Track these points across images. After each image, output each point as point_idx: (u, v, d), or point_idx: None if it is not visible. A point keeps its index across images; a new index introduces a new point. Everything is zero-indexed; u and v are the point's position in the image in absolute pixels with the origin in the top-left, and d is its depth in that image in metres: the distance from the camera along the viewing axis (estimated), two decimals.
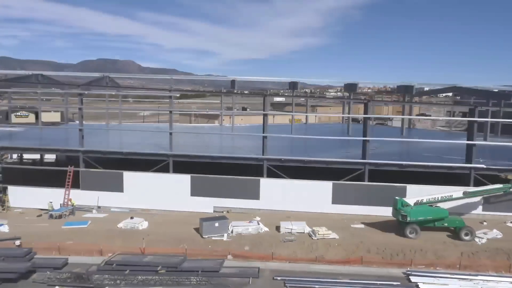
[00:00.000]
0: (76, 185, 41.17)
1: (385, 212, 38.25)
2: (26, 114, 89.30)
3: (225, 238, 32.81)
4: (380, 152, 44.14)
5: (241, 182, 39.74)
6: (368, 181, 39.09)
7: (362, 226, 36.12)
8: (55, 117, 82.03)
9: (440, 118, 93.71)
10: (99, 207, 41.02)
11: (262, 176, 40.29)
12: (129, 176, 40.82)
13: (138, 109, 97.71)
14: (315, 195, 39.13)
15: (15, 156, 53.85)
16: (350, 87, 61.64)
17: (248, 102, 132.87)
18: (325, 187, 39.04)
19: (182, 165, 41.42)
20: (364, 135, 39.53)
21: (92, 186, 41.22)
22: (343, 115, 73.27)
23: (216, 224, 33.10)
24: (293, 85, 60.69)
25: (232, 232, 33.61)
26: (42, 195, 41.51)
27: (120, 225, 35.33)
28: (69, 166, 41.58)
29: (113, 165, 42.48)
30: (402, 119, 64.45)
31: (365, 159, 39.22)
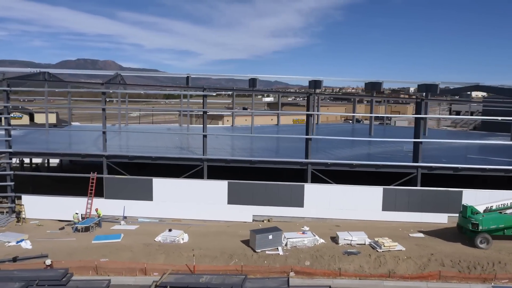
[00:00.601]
0: (98, 193, 37.34)
1: (439, 218, 35.86)
2: (20, 116, 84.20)
3: (280, 252, 29.55)
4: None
5: (284, 188, 36.55)
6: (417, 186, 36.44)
7: (422, 235, 33.33)
8: (50, 118, 77.36)
9: (467, 116, 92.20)
10: (125, 217, 37.25)
11: (304, 181, 37.22)
12: (159, 183, 37.15)
13: (164, 111, 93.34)
14: (364, 201, 36.24)
15: (13, 160, 49.55)
16: (373, 86, 58.85)
17: (241, 102, 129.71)
18: (375, 192, 36.18)
19: (212, 170, 37.93)
20: (417, 137, 36.77)
21: (118, 194, 37.42)
22: (378, 115, 70.87)
23: (270, 237, 29.82)
24: (314, 84, 57.66)
25: (286, 244, 30.39)
26: (61, 205, 37.57)
27: (158, 238, 31.70)
28: (91, 173, 37.68)
29: (136, 171, 38.77)
30: (425, 119, 62.15)
31: (417, 162, 36.46)
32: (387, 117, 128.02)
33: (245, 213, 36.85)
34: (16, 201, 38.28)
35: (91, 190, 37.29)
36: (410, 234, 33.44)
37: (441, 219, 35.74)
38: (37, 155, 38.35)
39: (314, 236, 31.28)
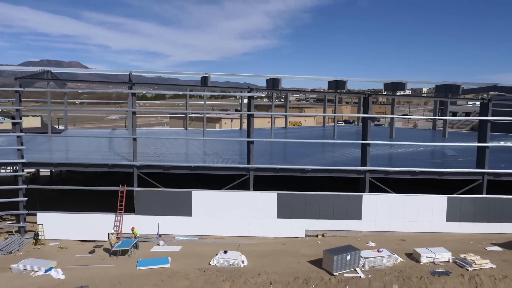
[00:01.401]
0: (127, 208, 32.67)
1: (507, 229, 33.11)
2: (1, 120, 77.05)
3: (360, 274, 25.91)
4: (462, 160, 39.07)
5: (339, 199, 32.96)
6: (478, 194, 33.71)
7: (499, 248, 30.47)
8: (34, 122, 70.92)
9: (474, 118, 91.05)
10: (159, 235, 32.71)
11: (358, 190, 33.82)
12: (199, 196, 32.80)
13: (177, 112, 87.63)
14: (427, 212, 33.12)
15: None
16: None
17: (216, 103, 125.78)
18: (439, 202, 33.12)
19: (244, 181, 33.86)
20: (483, 140, 33.95)
21: (151, 209, 32.83)
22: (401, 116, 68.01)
23: (348, 257, 26.13)
24: (336, 84, 54.41)
25: (364, 265, 26.78)
26: (83, 223, 32.68)
27: (214, 262, 27.40)
28: (120, 185, 32.93)
29: (166, 183, 34.29)
30: (445, 120, 60.16)
31: (483, 168, 33.65)
32: (377, 118, 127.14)
33: (296, 228, 33.04)
34: (25, 219, 33.09)
35: (121, 205, 32.54)
36: (487, 248, 30.54)
37: (509, 229, 33.10)
38: (56, 166, 33.16)
39: (393, 254, 27.81)
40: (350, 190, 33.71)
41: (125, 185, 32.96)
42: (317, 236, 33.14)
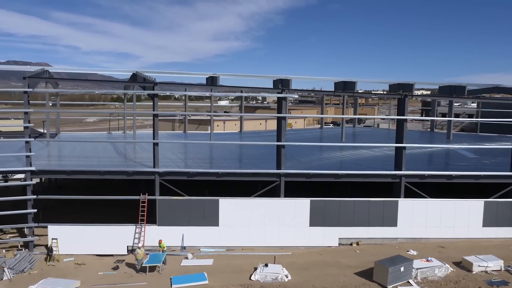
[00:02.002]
0: (148, 219, 30.12)
1: None
2: None
3: (415, 286, 24.30)
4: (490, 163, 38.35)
5: (374, 205, 31.36)
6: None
7: None
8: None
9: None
10: (184, 247, 30.31)
11: (393, 195, 32.36)
12: (226, 204, 30.56)
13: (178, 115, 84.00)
14: (463, 217, 31.93)
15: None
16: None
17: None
18: (475, 206, 31.98)
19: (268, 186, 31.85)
20: None
21: (174, 219, 30.38)
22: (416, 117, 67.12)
23: (402, 268, 24.49)
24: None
25: (416, 276, 25.20)
26: (99, 235, 29.95)
27: (256, 277, 25.26)
28: (141, 194, 30.34)
29: (186, 190, 31.88)
30: (449, 121, 59.78)
31: None
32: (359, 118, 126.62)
33: (330, 236, 31.24)
34: (33, 233, 30.13)
35: (142, 216, 29.95)
36: None
37: None
38: (70, 173, 30.18)
39: (444, 264, 26.35)
40: (372, 195, 32.10)
41: (146, 194, 30.40)
42: (351, 244, 31.43)
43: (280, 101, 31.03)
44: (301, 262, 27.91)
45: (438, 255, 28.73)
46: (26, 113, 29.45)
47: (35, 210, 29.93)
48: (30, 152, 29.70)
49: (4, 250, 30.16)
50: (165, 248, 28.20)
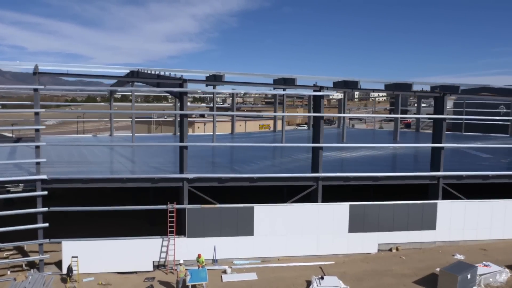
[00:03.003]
0: (164, 230, 27.16)
1: None
2: None
3: None
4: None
5: (413, 208, 29.99)
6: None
7: None
8: None
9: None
10: (216, 260, 27.63)
11: (428, 198, 31.19)
12: (262, 212, 28.15)
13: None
14: (499, 217, 31.23)
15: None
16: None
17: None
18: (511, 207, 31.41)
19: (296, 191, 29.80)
20: None
21: (205, 230, 27.62)
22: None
23: (469, 276, 23.12)
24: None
25: (480, 283, 23.93)
26: (122, 250, 26.71)
27: None
28: (168, 203, 27.34)
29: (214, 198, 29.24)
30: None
31: None
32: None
33: (369, 242, 29.55)
34: (40, 249, 26.45)
35: (171, 228, 26.97)
36: None
37: None
38: (87, 182, 26.61)
39: (504, 268, 25.27)
40: (396, 197, 30.74)
41: (174, 202, 27.46)
42: (390, 250, 29.90)
43: (318, 99, 29.00)
44: (351, 272, 25.98)
45: (484, 258, 27.74)
46: (37, 113, 25.74)
47: (47, 225, 26.24)
48: (40, 158, 26.01)
49: (9, 272, 26.24)
50: (204, 263, 25.41)
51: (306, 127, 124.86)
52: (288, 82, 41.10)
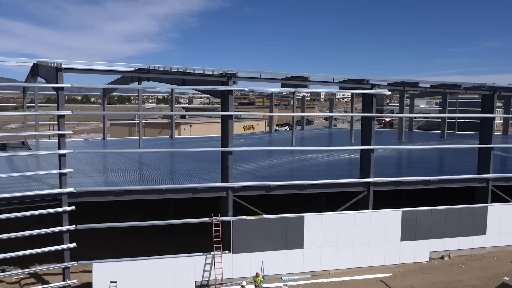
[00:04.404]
0: (207, 246, 24.20)
1: None
2: None
3: None
4: None
5: (465, 212, 28.38)
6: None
7: None
8: None
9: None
10: (263, 277, 24.83)
11: (475, 201, 29.71)
12: (312, 222, 25.65)
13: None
14: None
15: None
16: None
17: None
18: None
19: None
20: None
21: (252, 244, 24.83)
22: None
23: None
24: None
25: None
26: (159, 270, 23.54)
27: None
28: (212, 216, 24.32)
29: (242, 208, 26.40)
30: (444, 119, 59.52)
31: None
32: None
33: (421, 250, 27.68)
34: (67, 273, 22.85)
35: (217, 243, 23.98)
36: None
37: None
38: (120, 194, 23.12)
39: None
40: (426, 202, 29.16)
41: (219, 214, 24.48)
42: (442, 258, 28.13)
43: (369, 98, 26.79)
44: (418, 285, 23.94)
45: None
46: (61, 116, 22.11)
47: (74, 245, 22.64)
48: (66, 168, 22.39)
49: None
50: (262, 284, 22.60)
51: (287, 127, 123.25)
52: (299, 80, 38.76)
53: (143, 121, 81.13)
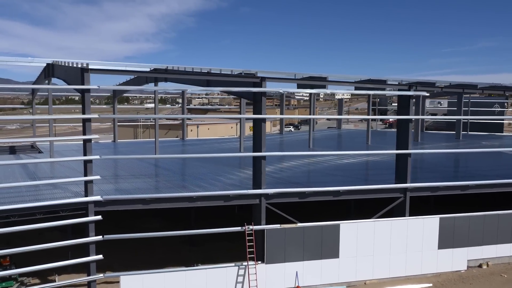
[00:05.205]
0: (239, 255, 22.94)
1: None
2: None
3: None
4: None
5: (504, 218, 27.20)
6: None
7: None
8: None
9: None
10: None
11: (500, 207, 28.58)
12: (348, 229, 24.42)
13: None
14: None
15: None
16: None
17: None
18: None
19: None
20: None
21: (286, 254, 23.57)
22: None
23: None
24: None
25: None
26: (185, 283, 22.23)
27: None
28: (245, 224, 23.04)
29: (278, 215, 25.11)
30: (460, 121, 58.38)
31: None
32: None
33: (458, 259, 26.48)
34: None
35: (251, 253, 22.71)
36: None
37: None
38: (149, 202, 21.86)
39: None
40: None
41: (252, 223, 23.21)
42: (480, 266, 26.95)
43: (406, 100, 25.55)
44: None
45: None
46: (88, 120, 20.78)
47: (101, 256, 21.32)
48: (92, 175, 21.07)
49: None
50: None
51: (292, 128, 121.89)
52: (316, 81, 37.51)
53: (150, 123, 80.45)
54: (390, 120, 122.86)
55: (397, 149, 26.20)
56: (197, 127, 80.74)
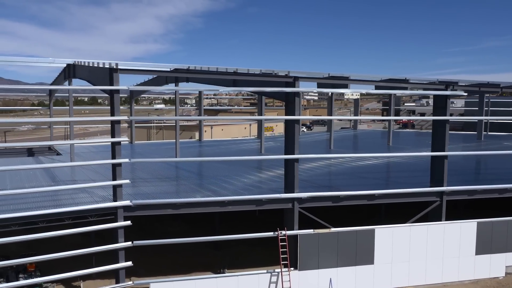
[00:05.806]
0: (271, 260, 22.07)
1: None
2: None
3: None
4: None
5: None
6: None
7: None
8: None
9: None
10: None
11: None
12: (384, 234, 23.46)
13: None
14: None
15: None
16: None
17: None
18: None
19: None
20: None
21: (320, 260, 22.68)
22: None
23: None
24: None
25: None
26: None
27: None
28: (278, 230, 22.18)
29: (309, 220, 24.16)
30: (481, 121, 57.05)
31: None
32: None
33: (496, 265, 25.40)
34: None
35: (285, 259, 21.85)
36: None
37: None
38: (180, 207, 21.11)
39: None
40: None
41: (285, 228, 22.35)
42: None
43: (442, 100, 24.57)
44: None
45: None
46: (117, 122, 20.04)
47: (130, 263, 20.59)
48: (122, 179, 20.33)
49: None
50: None
51: (304, 128, 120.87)
52: (339, 80, 36.50)
53: (163, 124, 79.86)
54: (404, 120, 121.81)
55: (432, 151, 25.20)
56: (211, 128, 79.93)
